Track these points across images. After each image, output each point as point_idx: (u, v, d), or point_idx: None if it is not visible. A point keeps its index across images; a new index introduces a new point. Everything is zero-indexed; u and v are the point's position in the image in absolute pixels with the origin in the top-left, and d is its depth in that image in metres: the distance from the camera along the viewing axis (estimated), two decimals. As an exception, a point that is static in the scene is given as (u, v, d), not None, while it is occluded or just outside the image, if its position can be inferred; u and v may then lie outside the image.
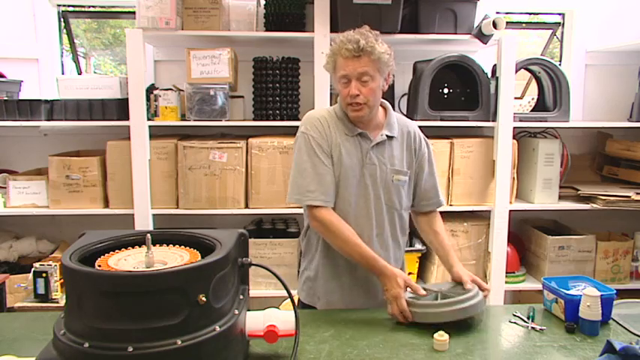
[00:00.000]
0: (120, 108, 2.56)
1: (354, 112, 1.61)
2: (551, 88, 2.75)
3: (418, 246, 2.69)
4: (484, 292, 1.55)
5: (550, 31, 3.24)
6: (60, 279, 2.47)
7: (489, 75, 2.67)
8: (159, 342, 0.98)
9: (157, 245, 1.21)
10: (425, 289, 1.54)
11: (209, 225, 2.75)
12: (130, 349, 0.96)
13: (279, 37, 2.62)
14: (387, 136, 1.67)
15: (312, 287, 1.75)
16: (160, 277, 1.00)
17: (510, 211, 2.69)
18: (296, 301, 1.80)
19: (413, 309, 1.47)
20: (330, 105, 2.38)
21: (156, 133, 2.66)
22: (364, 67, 1.55)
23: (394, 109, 1.83)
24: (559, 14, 3.19)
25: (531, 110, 2.95)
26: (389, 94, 2.80)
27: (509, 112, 2.61)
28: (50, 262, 2.46)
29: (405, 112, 2.81)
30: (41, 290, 2.44)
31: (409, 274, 2.55)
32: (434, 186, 1.79)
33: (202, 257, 1.12)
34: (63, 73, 3.02)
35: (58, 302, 2.45)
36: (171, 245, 1.23)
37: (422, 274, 2.82)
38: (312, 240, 1.75)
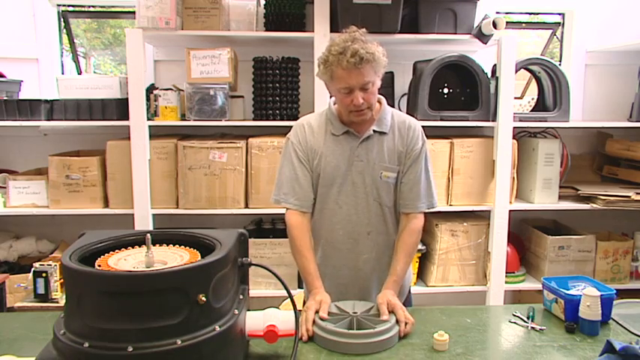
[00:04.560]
0: (120, 108, 2.55)
1: (358, 117, 1.61)
2: (551, 88, 2.75)
3: (418, 246, 2.68)
4: (402, 325, 1.41)
5: (550, 31, 3.24)
6: (60, 279, 2.47)
7: (489, 75, 2.66)
8: (159, 342, 0.98)
9: (157, 245, 1.22)
10: (340, 309, 1.47)
11: (209, 225, 2.75)
12: (130, 349, 0.96)
13: (279, 37, 2.62)
14: (374, 131, 1.65)
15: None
16: (160, 277, 1.00)
17: (510, 211, 2.69)
18: (300, 301, 1.82)
19: (325, 335, 1.35)
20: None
21: (156, 133, 2.65)
22: (367, 76, 1.53)
23: (401, 111, 1.81)
24: (559, 14, 3.19)
25: (531, 110, 2.95)
26: (389, 94, 2.80)
27: (509, 112, 2.61)
28: (50, 262, 2.46)
29: (404, 113, 2.80)
30: (41, 290, 2.44)
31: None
32: (413, 189, 1.66)
33: (202, 257, 1.12)
34: (63, 73, 3.02)
35: (58, 302, 2.45)
36: (171, 245, 1.23)
37: (422, 274, 2.82)
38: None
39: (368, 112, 1.61)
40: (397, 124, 1.70)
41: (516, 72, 2.62)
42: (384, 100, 1.74)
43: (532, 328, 1.49)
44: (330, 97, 1.71)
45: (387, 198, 1.67)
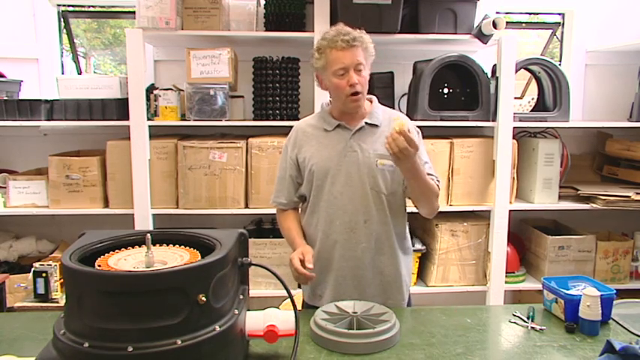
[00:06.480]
0: (120, 108, 2.55)
1: (354, 103, 1.66)
2: (551, 88, 2.75)
3: (418, 246, 2.69)
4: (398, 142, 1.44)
5: (550, 31, 3.24)
6: (60, 279, 2.47)
7: (489, 75, 2.66)
8: (159, 342, 0.98)
9: (157, 245, 1.22)
10: (340, 309, 1.47)
11: (209, 225, 2.75)
12: (130, 349, 0.96)
13: (279, 37, 2.62)
14: (366, 123, 1.70)
15: (310, 287, 1.78)
16: (160, 277, 1.00)
17: (510, 211, 2.69)
18: (300, 301, 1.83)
19: (325, 335, 1.35)
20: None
21: (156, 133, 2.65)
22: (359, 57, 1.61)
23: (394, 109, 1.85)
24: (559, 14, 3.19)
25: (531, 110, 2.95)
26: (389, 94, 2.80)
27: (509, 112, 2.61)
28: (50, 262, 2.46)
29: (405, 112, 2.80)
30: (41, 290, 2.44)
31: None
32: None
33: (202, 257, 1.12)
34: (63, 73, 3.02)
35: (58, 302, 2.45)
36: (171, 245, 1.23)
37: (422, 274, 2.82)
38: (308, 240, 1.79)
39: (362, 99, 1.66)
40: (389, 117, 1.76)
41: (516, 72, 2.62)
42: (375, 99, 1.80)
43: (532, 328, 1.49)
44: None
45: (384, 186, 1.70)
